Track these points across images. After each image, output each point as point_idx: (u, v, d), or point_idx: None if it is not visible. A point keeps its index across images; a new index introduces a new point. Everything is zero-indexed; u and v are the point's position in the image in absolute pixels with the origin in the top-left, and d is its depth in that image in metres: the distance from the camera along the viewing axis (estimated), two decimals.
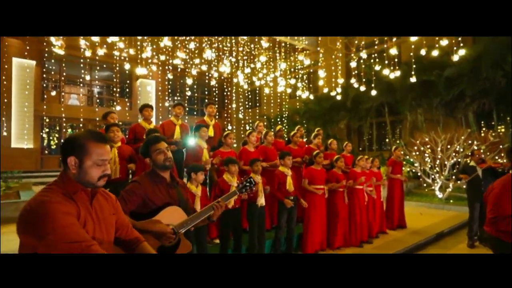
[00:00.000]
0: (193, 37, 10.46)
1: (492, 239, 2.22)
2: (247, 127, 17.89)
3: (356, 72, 11.51)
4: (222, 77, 16.16)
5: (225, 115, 19.23)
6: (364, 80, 10.25)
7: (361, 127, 13.64)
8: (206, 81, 13.92)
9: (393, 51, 9.07)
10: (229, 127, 18.61)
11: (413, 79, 8.93)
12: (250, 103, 19.95)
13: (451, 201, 8.09)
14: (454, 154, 8.27)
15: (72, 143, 1.18)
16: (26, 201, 1.08)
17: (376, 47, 11.56)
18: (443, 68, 9.63)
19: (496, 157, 7.61)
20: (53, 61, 12.85)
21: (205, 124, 4.36)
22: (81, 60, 10.96)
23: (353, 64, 10.49)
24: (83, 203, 1.20)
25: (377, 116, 12.99)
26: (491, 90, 9.15)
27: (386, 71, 9.30)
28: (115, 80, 14.44)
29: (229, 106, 18.99)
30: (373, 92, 10.14)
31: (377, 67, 9.92)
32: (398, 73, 9.25)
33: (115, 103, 15.36)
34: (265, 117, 16.28)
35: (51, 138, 14.48)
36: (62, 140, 13.68)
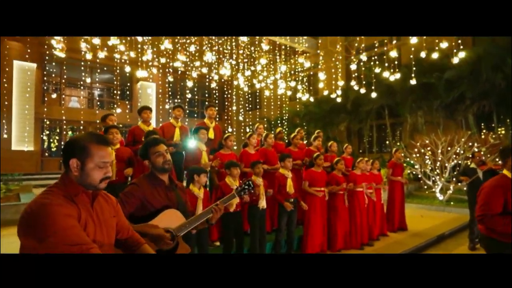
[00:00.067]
0: (193, 40, 10.49)
1: (484, 237, 2.26)
2: (247, 130, 17.90)
3: (356, 74, 11.53)
4: (223, 80, 16.17)
5: (226, 117, 19.25)
6: (364, 82, 10.26)
7: (361, 129, 13.65)
8: (207, 83, 13.96)
9: (393, 53, 9.10)
10: (229, 130, 18.62)
11: (413, 82, 8.95)
12: (250, 106, 19.98)
13: (452, 203, 8.08)
14: (454, 156, 8.27)
15: (74, 145, 1.18)
16: (26, 204, 1.08)
17: (376, 49, 11.62)
18: (443, 71, 9.66)
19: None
20: (54, 63, 12.87)
21: (204, 126, 4.37)
22: (82, 63, 11.00)
23: (353, 66, 10.52)
24: (84, 205, 1.20)
25: (377, 118, 12.99)
26: (491, 92, 9.16)
27: (386, 74, 9.31)
28: (115, 82, 14.47)
29: (230, 109, 19.01)
30: (373, 95, 10.15)
31: (377, 70, 9.95)
32: (398, 76, 9.27)
33: (115, 106, 15.39)
34: (265, 119, 16.29)
35: (51, 140, 14.49)
36: (62, 143, 13.74)
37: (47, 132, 14.10)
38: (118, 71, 13.28)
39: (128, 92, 15.61)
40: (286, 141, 5.67)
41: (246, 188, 2.05)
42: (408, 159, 9.22)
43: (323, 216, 4.39)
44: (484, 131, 10.37)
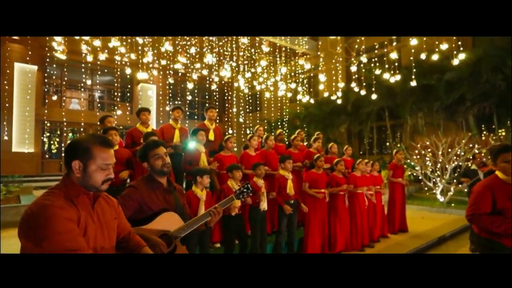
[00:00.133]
0: (194, 42, 10.52)
1: (474, 235, 2.33)
2: (248, 131, 17.91)
3: (356, 76, 11.55)
4: (223, 82, 16.22)
5: (226, 119, 19.26)
6: (364, 84, 10.27)
7: (362, 131, 13.65)
8: (207, 85, 13.98)
9: (393, 55, 9.12)
10: (230, 131, 18.63)
11: (413, 83, 8.96)
12: (250, 107, 19.99)
13: (453, 204, 8.06)
14: (455, 157, 8.26)
15: (76, 147, 1.18)
16: (26, 206, 1.08)
17: (376, 51, 11.63)
18: (443, 72, 9.67)
19: None
20: (54, 66, 12.91)
21: (203, 128, 4.36)
22: (83, 65, 11.04)
23: (353, 68, 10.53)
24: (85, 207, 1.20)
25: (377, 120, 13.00)
26: (491, 94, 9.17)
27: (386, 75, 9.33)
28: (116, 84, 14.51)
29: (230, 110, 19.04)
30: (374, 96, 10.16)
31: (378, 71, 9.98)
32: (398, 77, 9.28)
33: (116, 108, 15.41)
34: (265, 121, 16.30)
35: (52, 142, 14.50)
36: (63, 145, 13.74)
37: (48, 134, 14.11)
38: (118, 73, 13.32)
39: (128, 94, 15.63)
40: (287, 142, 5.67)
41: (245, 191, 2.04)
42: (408, 160, 9.21)
43: (323, 218, 4.38)
44: (484, 132, 10.36)
